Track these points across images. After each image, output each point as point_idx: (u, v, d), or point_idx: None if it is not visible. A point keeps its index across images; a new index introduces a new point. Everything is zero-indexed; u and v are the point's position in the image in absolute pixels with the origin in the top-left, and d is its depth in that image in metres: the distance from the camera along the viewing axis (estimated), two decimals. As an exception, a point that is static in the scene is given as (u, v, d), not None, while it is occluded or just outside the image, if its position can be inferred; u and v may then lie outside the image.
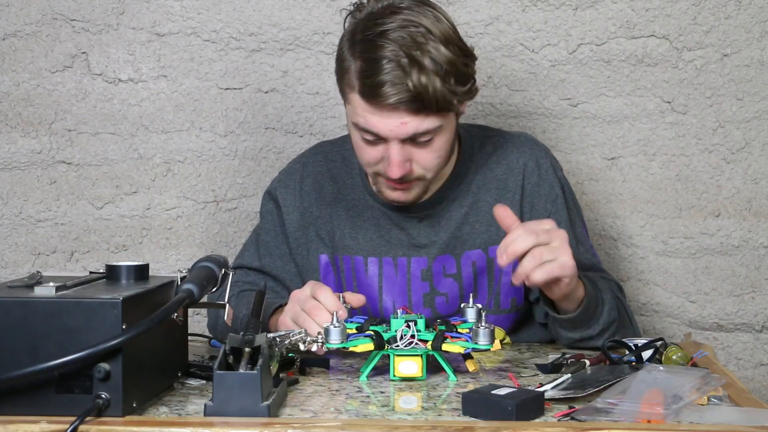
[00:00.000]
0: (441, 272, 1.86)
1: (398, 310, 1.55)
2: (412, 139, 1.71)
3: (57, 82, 2.33)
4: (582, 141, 2.30)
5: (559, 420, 1.24)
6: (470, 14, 2.29)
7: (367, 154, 1.75)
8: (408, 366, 1.47)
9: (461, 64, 1.70)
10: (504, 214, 1.60)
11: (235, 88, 2.32)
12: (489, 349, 1.47)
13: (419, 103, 1.66)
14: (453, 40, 1.70)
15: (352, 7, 1.76)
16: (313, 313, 1.59)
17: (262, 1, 2.31)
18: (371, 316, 1.62)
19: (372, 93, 1.67)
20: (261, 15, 2.31)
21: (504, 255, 1.54)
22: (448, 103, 1.68)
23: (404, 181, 1.76)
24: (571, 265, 1.56)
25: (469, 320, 1.58)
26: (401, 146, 1.71)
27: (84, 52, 2.32)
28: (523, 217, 1.86)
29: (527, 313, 1.90)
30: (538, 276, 1.54)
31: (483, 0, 2.28)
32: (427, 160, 1.74)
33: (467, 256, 1.85)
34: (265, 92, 2.32)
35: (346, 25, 1.76)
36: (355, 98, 1.71)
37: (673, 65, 2.27)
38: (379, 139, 1.72)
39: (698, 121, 2.28)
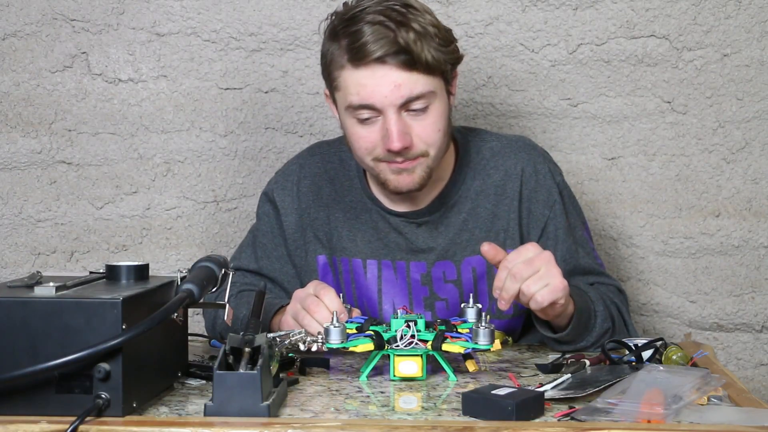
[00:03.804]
0: (441, 278, 1.85)
1: (398, 310, 1.55)
2: (408, 108, 1.70)
3: (57, 82, 2.33)
4: (582, 141, 2.30)
5: (559, 420, 1.24)
6: (470, 14, 2.29)
7: (365, 139, 1.74)
8: (408, 366, 1.47)
9: (443, 30, 1.73)
10: (491, 252, 1.62)
11: (235, 88, 2.32)
12: (489, 349, 1.47)
13: (408, 56, 1.66)
14: (432, 14, 1.73)
15: (329, 18, 1.77)
16: (312, 310, 1.59)
17: (262, 1, 2.31)
18: (371, 317, 1.62)
19: (359, 52, 1.67)
20: (261, 15, 2.31)
21: (501, 301, 1.59)
22: (437, 61, 1.69)
23: (407, 159, 1.74)
24: (562, 287, 1.58)
25: (470, 320, 1.58)
26: (398, 115, 1.70)
27: (84, 52, 2.32)
28: (521, 223, 1.85)
29: (529, 318, 1.90)
30: (535, 306, 1.59)
31: (483, 0, 2.28)
32: (426, 132, 1.73)
33: (467, 262, 1.85)
34: (265, 92, 2.32)
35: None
36: (345, 74, 1.71)
37: (673, 65, 2.27)
38: (374, 115, 1.71)
39: (698, 121, 2.28)
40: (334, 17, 1.75)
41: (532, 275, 1.57)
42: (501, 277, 1.58)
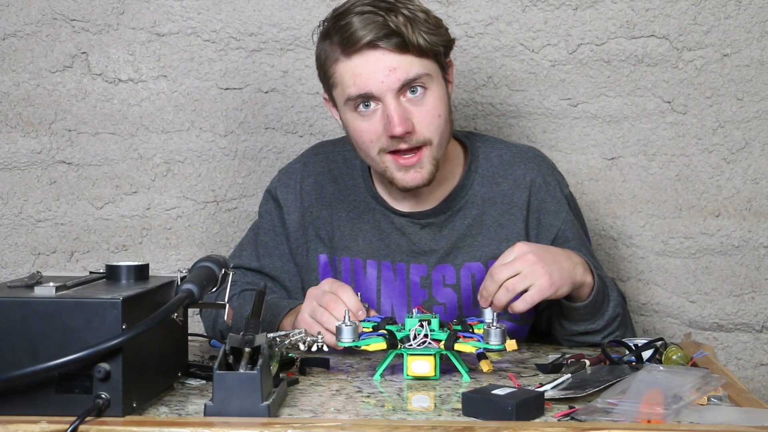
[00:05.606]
0: (440, 281, 1.85)
1: (413, 310, 1.55)
2: (406, 94, 1.70)
3: (57, 82, 2.33)
4: (582, 141, 2.30)
5: (559, 420, 1.24)
6: (470, 14, 2.29)
7: (367, 132, 1.74)
8: (421, 365, 1.47)
9: (432, 15, 1.74)
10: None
11: (235, 88, 2.32)
12: (502, 349, 1.47)
13: (399, 38, 1.67)
14: (424, 7, 1.74)
15: (320, 24, 1.78)
16: (331, 307, 1.59)
17: (262, 1, 2.31)
18: (388, 316, 1.62)
19: (349, 40, 1.68)
20: (261, 15, 2.31)
21: (481, 299, 1.62)
22: (429, 44, 1.70)
23: (411, 147, 1.72)
24: (549, 284, 1.60)
25: (486, 320, 1.57)
26: (397, 101, 1.70)
27: (84, 52, 2.32)
28: (529, 234, 1.86)
29: (534, 326, 1.90)
30: (520, 308, 1.61)
31: (483, 0, 2.28)
32: (427, 119, 1.72)
33: (467, 267, 1.84)
34: (265, 92, 2.32)
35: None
36: (340, 66, 1.71)
37: (673, 65, 2.27)
38: (373, 104, 1.71)
39: (698, 121, 2.28)
40: (325, 21, 1.77)
41: (512, 276, 1.59)
42: (485, 282, 1.62)
